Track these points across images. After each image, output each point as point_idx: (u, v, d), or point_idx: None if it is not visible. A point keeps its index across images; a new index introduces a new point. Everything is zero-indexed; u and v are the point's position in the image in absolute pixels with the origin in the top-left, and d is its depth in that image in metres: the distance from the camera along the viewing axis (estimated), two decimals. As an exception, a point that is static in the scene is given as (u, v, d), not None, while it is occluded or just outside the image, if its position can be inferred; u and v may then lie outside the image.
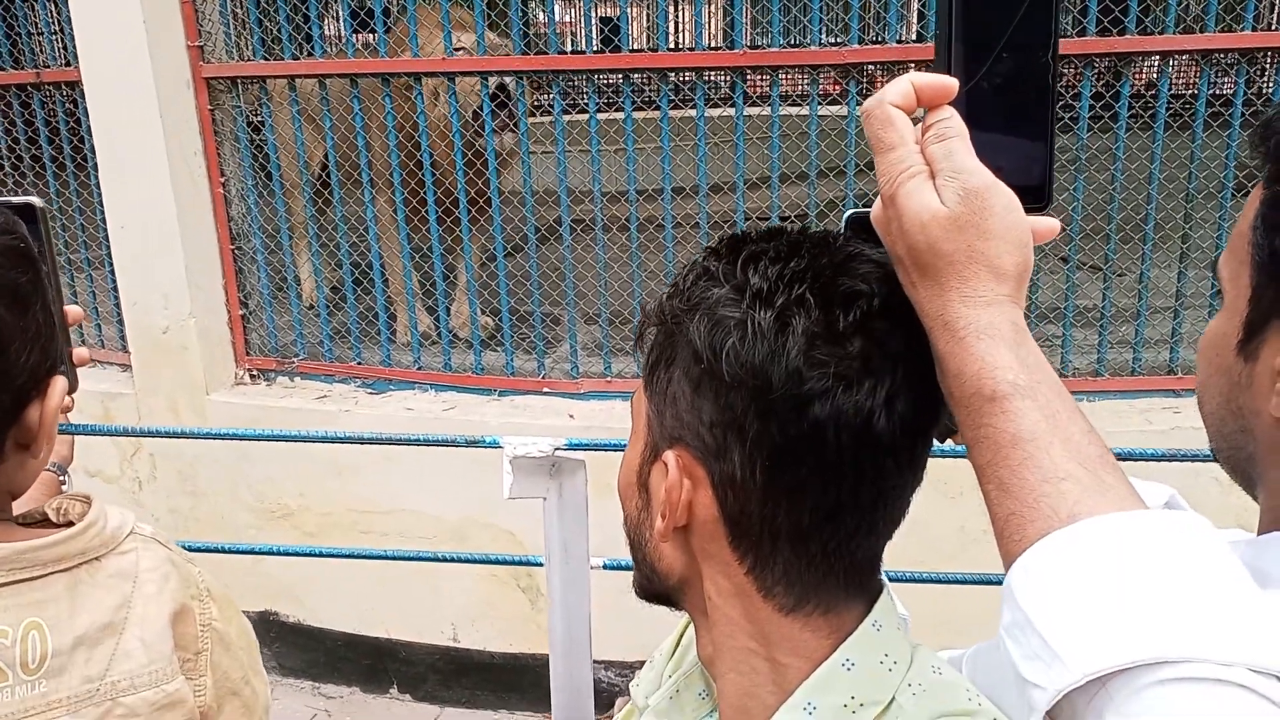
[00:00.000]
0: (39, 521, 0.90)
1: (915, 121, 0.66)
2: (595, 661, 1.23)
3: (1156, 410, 2.83)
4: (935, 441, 1.01)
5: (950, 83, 0.65)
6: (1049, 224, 0.68)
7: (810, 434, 0.63)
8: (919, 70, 0.67)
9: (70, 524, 0.87)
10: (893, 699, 0.67)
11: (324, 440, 1.25)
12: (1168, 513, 0.56)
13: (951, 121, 0.65)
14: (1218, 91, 2.74)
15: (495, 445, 1.05)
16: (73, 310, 1.02)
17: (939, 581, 1.17)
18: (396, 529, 3.11)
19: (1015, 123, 0.69)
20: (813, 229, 0.72)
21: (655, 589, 0.77)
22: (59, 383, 0.84)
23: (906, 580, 1.12)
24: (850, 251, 0.68)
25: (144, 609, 0.88)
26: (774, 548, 0.67)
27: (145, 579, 0.89)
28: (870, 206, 0.74)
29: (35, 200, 0.94)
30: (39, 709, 0.81)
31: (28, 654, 0.81)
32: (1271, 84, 2.69)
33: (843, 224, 0.78)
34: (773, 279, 0.65)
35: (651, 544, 0.73)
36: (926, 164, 0.64)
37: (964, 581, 1.29)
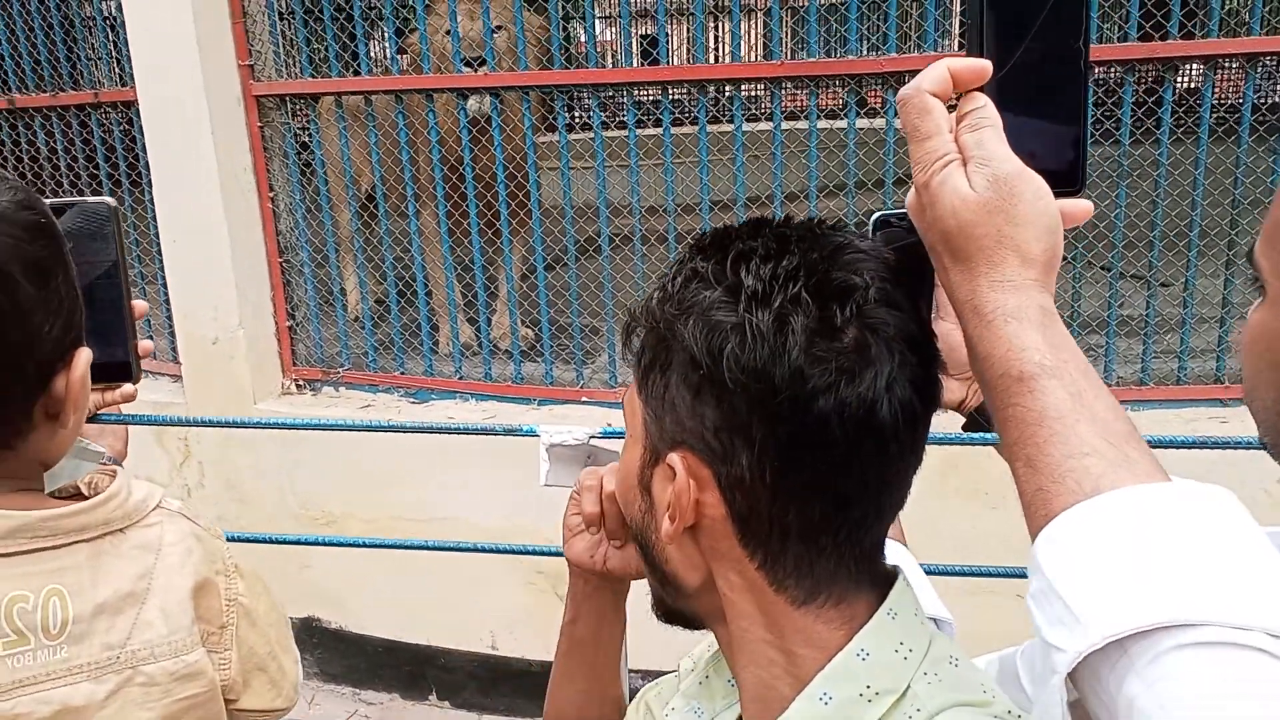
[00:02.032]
0: (72, 495, 0.93)
1: (950, 108, 0.68)
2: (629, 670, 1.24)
3: (1203, 420, 2.78)
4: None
5: (985, 65, 0.66)
6: (1082, 206, 0.69)
7: (816, 430, 0.63)
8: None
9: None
10: (908, 687, 0.67)
11: (363, 429, 1.28)
12: (1190, 484, 0.57)
13: (986, 111, 0.66)
14: (1264, 97, 2.70)
15: (532, 434, 1.08)
16: (139, 304, 1.06)
17: (960, 574, 1.17)
18: (438, 535, 3.15)
19: (1048, 107, 0.70)
20: (791, 219, 0.72)
21: (671, 604, 0.78)
22: (83, 354, 0.87)
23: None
24: (838, 242, 0.68)
25: (166, 580, 0.91)
26: (784, 543, 0.68)
27: (168, 551, 0.92)
28: (893, 210, 0.77)
29: (109, 200, 0.98)
30: (61, 674, 0.83)
31: (49, 619, 0.83)
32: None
33: (870, 225, 0.80)
34: (766, 278, 0.64)
35: (658, 546, 0.74)
36: (960, 152, 0.66)
37: (984, 574, 1.29)
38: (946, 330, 0.93)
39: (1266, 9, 2.64)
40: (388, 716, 3.30)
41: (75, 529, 0.86)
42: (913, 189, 0.69)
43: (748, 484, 0.66)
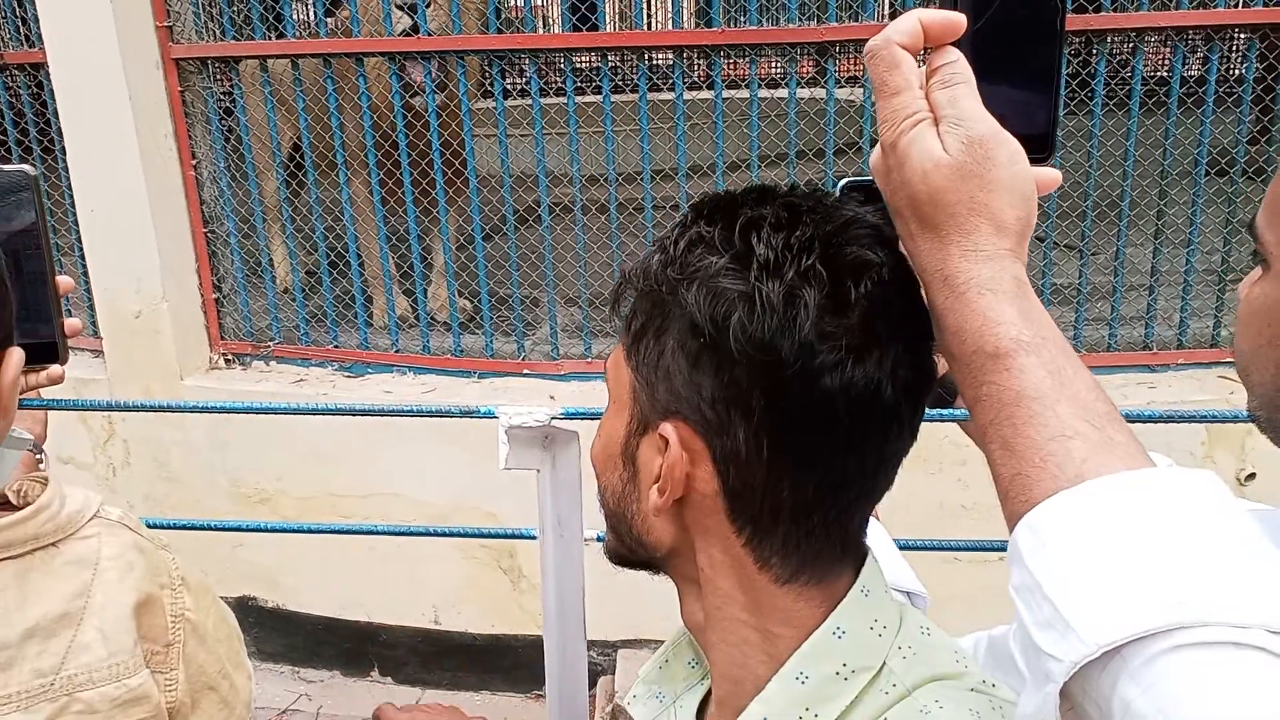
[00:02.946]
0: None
1: (920, 62, 0.64)
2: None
3: (1132, 385, 2.86)
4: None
5: (959, 19, 0.63)
6: (1051, 175, 0.66)
7: (820, 407, 0.62)
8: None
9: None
10: (884, 664, 0.67)
11: (308, 412, 1.23)
12: (1177, 470, 0.55)
13: (958, 66, 0.62)
14: (1190, 71, 2.76)
15: (490, 415, 1.04)
16: (64, 281, 0.99)
17: (926, 549, 1.18)
18: (377, 513, 3.09)
19: (1020, 68, 0.67)
20: (797, 187, 0.69)
21: (638, 558, 0.75)
22: (14, 354, 0.80)
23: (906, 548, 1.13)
24: (848, 216, 0.66)
25: (104, 598, 0.83)
26: (775, 521, 0.66)
27: (107, 566, 0.84)
28: (860, 177, 0.74)
29: (28, 168, 0.91)
30: None
31: None
32: (1243, 62, 2.71)
33: (838, 191, 0.77)
34: (778, 248, 0.62)
35: (640, 517, 0.72)
36: (930, 110, 0.62)
37: (950, 549, 1.31)
38: None
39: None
40: (328, 694, 3.25)
41: None
42: (878, 148, 0.65)
43: (743, 458, 0.65)
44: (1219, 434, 2.74)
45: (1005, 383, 0.58)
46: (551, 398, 2.95)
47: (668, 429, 0.66)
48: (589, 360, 3.02)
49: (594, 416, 1.01)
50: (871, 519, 0.77)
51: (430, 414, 1.14)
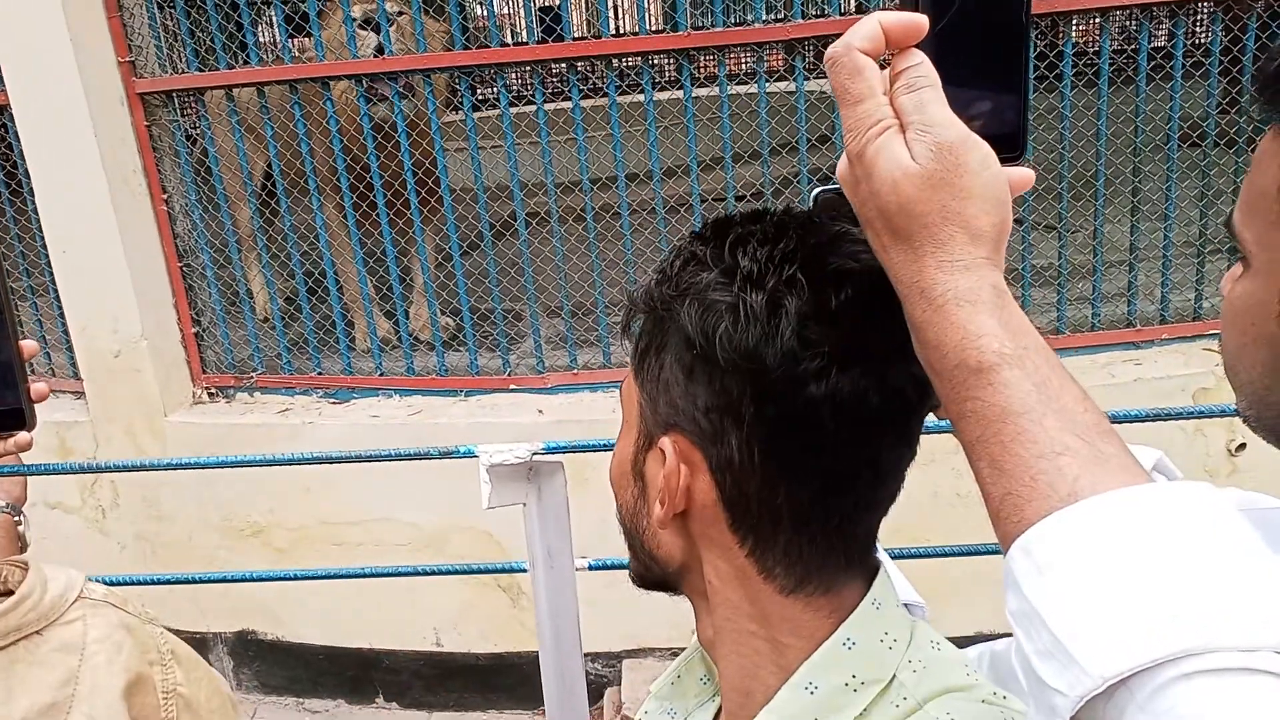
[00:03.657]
0: None
1: (883, 66, 0.63)
2: (584, 654, 1.22)
3: (1118, 363, 2.86)
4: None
5: (921, 21, 0.61)
6: (1023, 175, 0.64)
7: (806, 414, 0.63)
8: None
9: (10, 593, 0.80)
10: (894, 676, 0.66)
11: (291, 462, 1.22)
12: (1173, 486, 0.53)
13: (922, 69, 0.61)
14: (1158, 45, 2.76)
15: (470, 455, 1.03)
16: (28, 345, 0.97)
17: (921, 556, 1.17)
18: (370, 538, 3.07)
19: (987, 67, 0.65)
20: (791, 209, 0.70)
21: (654, 577, 0.77)
22: None
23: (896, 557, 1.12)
24: (837, 231, 0.66)
25: (93, 683, 0.81)
26: (775, 529, 0.67)
27: (94, 650, 0.82)
28: (831, 185, 0.72)
29: None
30: None
31: None
32: (1208, 34, 2.72)
33: (810, 200, 0.76)
34: (762, 260, 0.64)
35: (649, 531, 0.73)
36: (896, 116, 0.60)
37: (943, 554, 1.29)
38: None
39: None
40: (333, 723, 3.23)
41: None
42: (844, 157, 0.63)
43: (737, 465, 0.66)
44: (1209, 402, 2.74)
45: (989, 398, 0.57)
46: (540, 411, 2.93)
47: (665, 442, 0.68)
48: (575, 372, 3.00)
49: (576, 449, 0.99)
50: None
51: (409, 457, 1.13)
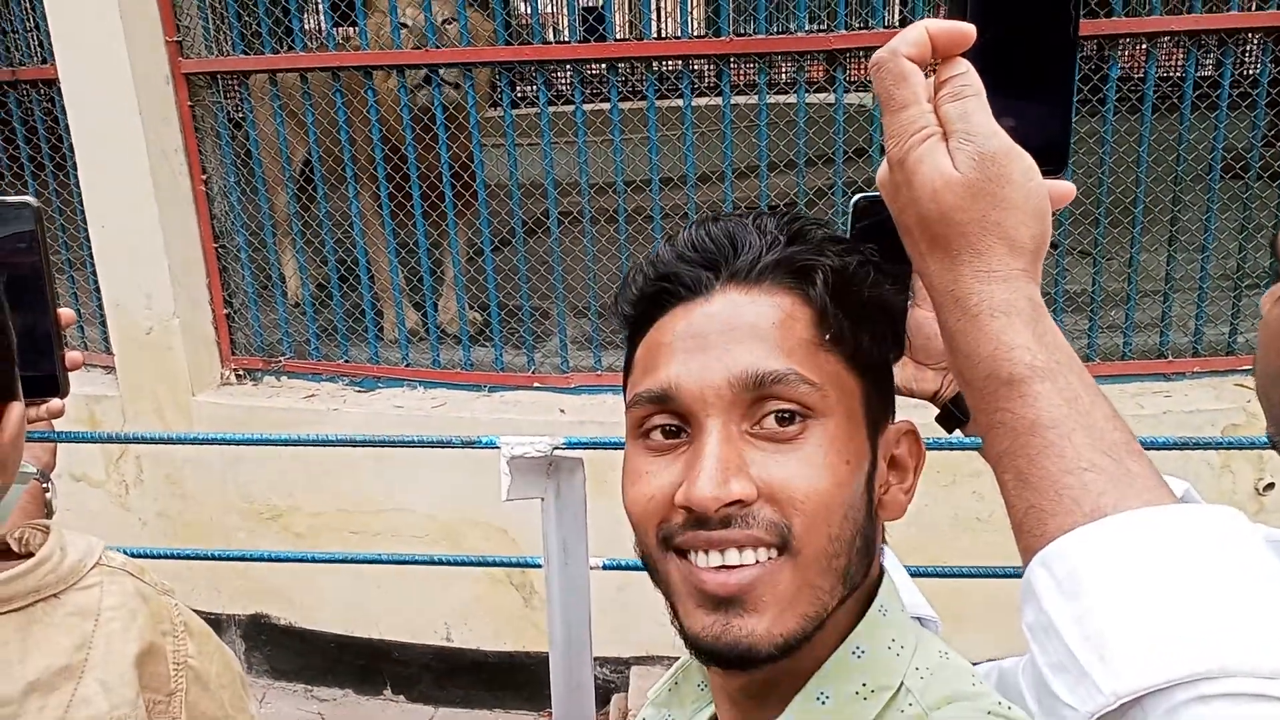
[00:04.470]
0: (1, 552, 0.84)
1: (928, 73, 0.63)
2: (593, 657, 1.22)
3: (1148, 394, 2.82)
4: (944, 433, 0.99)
5: (968, 29, 0.60)
6: (1065, 188, 0.64)
7: None
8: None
9: (31, 555, 0.81)
10: (901, 683, 0.66)
11: (315, 443, 1.22)
12: (1198, 508, 0.52)
13: (968, 78, 0.60)
14: (1205, 74, 2.73)
15: (492, 445, 1.03)
16: (65, 313, 0.98)
17: (939, 575, 1.16)
18: (388, 528, 3.08)
19: (1033, 78, 0.64)
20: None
21: (827, 612, 0.66)
22: (15, 410, 0.79)
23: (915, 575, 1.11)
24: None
25: (106, 649, 0.82)
26: None
27: (109, 616, 0.83)
28: (872, 192, 0.71)
29: (31, 200, 0.90)
30: None
31: None
32: (1257, 64, 2.68)
33: (850, 207, 0.76)
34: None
35: (879, 526, 0.70)
36: (940, 124, 0.60)
37: (962, 575, 1.28)
38: (922, 318, 0.89)
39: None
40: (341, 713, 3.24)
41: (1, 599, 0.78)
42: (884, 163, 0.64)
43: None
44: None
45: (1019, 411, 0.56)
46: (561, 410, 2.93)
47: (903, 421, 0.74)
48: (599, 373, 3.01)
49: (596, 445, 0.99)
50: (885, 548, 0.75)
51: (430, 444, 1.13)
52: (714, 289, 0.67)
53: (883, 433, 0.70)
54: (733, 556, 0.62)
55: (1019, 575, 0.57)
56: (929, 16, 0.62)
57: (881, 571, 0.71)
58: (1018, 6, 0.63)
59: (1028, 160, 0.60)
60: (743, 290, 0.66)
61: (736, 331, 0.65)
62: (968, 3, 0.63)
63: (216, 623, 3.28)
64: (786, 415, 0.63)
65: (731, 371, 0.64)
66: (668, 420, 0.66)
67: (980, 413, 0.60)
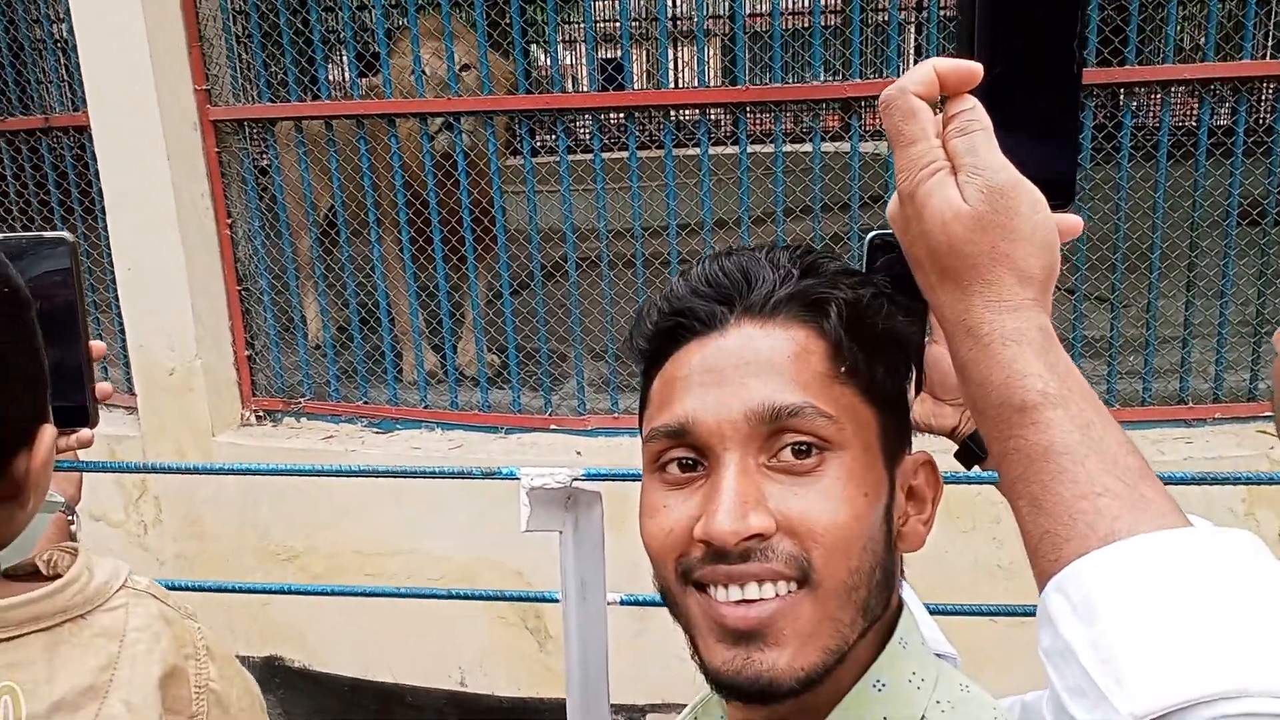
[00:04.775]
0: (29, 575, 0.84)
1: (936, 110, 0.64)
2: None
3: (1169, 440, 2.80)
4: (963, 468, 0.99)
5: (975, 68, 0.62)
6: (1073, 221, 0.65)
7: None
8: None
9: (59, 576, 0.82)
10: (923, 716, 0.65)
11: (335, 474, 1.23)
12: (1212, 530, 0.53)
13: (975, 113, 0.62)
14: (1219, 122, 2.75)
15: (512, 476, 1.04)
16: (96, 345, 1.00)
17: (960, 613, 1.15)
18: (404, 571, 3.08)
19: (1038, 114, 0.66)
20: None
21: (847, 646, 0.66)
22: (47, 432, 0.80)
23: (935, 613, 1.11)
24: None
25: (131, 670, 0.82)
26: None
27: (134, 638, 0.83)
28: (887, 230, 0.73)
29: (66, 235, 0.93)
30: None
31: None
32: (1271, 112, 2.69)
33: (865, 245, 0.77)
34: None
35: (897, 557, 0.70)
36: (948, 159, 0.62)
37: (983, 613, 1.27)
38: (939, 354, 0.90)
39: (1219, 35, 2.69)
40: (353, 756, 3.21)
41: (29, 619, 0.78)
42: (894, 197, 0.65)
43: None
44: (1260, 491, 2.67)
45: (1032, 437, 0.57)
46: (578, 453, 2.94)
47: (920, 453, 0.74)
48: (616, 416, 3.02)
49: (616, 477, 1.00)
50: (904, 582, 0.75)
51: (451, 475, 1.14)
52: (729, 323, 0.67)
53: (900, 464, 0.69)
54: (752, 590, 0.62)
55: (1034, 615, 0.58)
56: (938, 55, 0.64)
57: (900, 604, 0.71)
58: (1022, 46, 0.65)
59: (1035, 193, 0.61)
60: (757, 324, 0.67)
61: (752, 365, 0.65)
62: (974, 42, 0.65)
63: (230, 665, 3.27)
64: (803, 448, 0.64)
65: (748, 405, 0.64)
66: (684, 454, 0.67)
67: (993, 440, 0.61)
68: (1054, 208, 0.62)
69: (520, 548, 2.87)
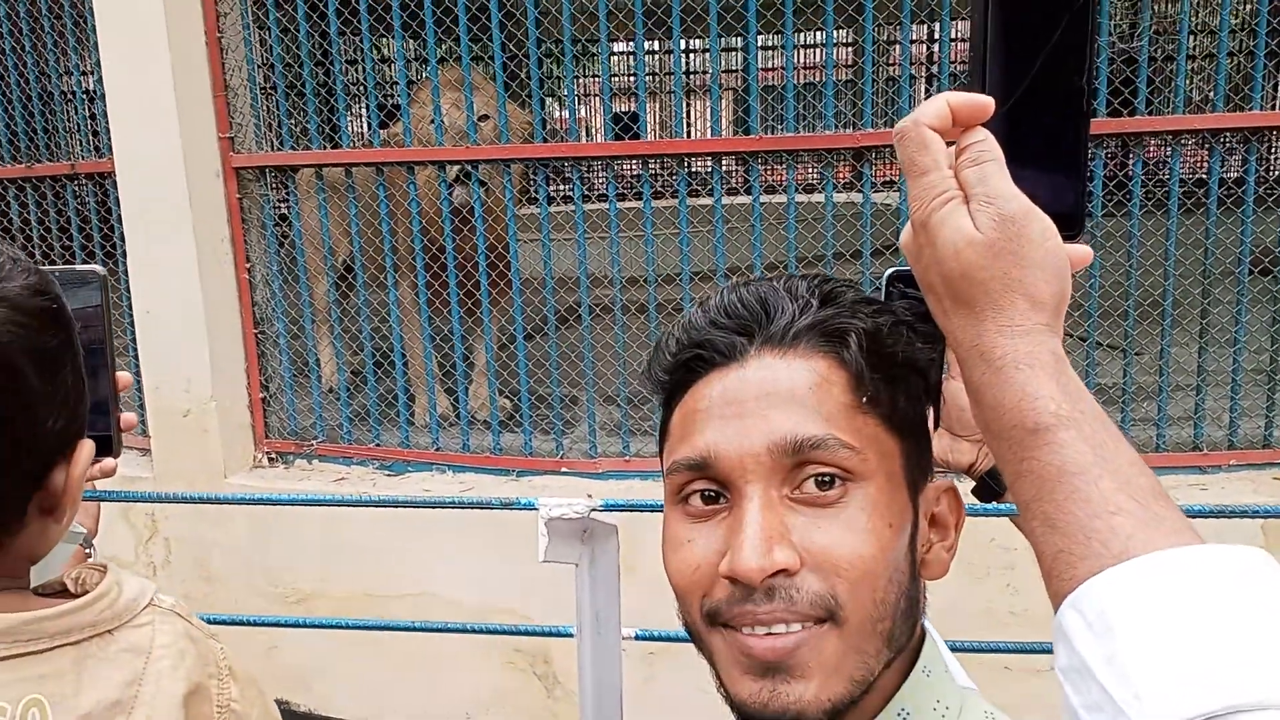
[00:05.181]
0: (57, 592, 0.85)
1: (949, 143, 0.65)
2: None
3: (1183, 488, 2.78)
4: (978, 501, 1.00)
5: (987, 102, 0.63)
6: (1083, 251, 0.66)
7: None
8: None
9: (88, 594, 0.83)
10: None
11: (350, 504, 1.24)
12: (1226, 547, 0.53)
13: (986, 144, 0.63)
14: (1228, 173, 2.77)
15: (530, 507, 1.04)
16: (123, 377, 1.02)
17: (976, 650, 1.14)
18: (413, 615, 3.06)
19: (1048, 147, 0.67)
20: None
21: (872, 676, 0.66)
22: (86, 446, 0.81)
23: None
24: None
25: (155, 687, 0.83)
26: None
27: (159, 655, 0.84)
28: (904, 266, 0.74)
29: (99, 269, 0.95)
30: None
31: None
32: (1281, 164, 2.72)
33: (883, 281, 0.78)
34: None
35: (921, 585, 0.70)
36: (960, 189, 0.63)
37: (997, 650, 1.26)
38: (956, 390, 0.90)
39: (1229, 87, 2.72)
40: (358, 804, 3.17)
41: (60, 632, 0.79)
42: (908, 226, 0.66)
43: None
44: (1278, 537, 2.65)
45: (1046, 458, 0.57)
46: (589, 495, 2.93)
47: (944, 479, 0.75)
48: (627, 459, 3.02)
49: (633, 508, 1.00)
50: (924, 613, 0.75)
51: (471, 505, 1.15)
52: (748, 354, 0.67)
53: (923, 492, 0.70)
54: (779, 629, 0.63)
55: (1048, 652, 0.58)
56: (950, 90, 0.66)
57: (924, 632, 0.71)
58: (1032, 82, 0.67)
59: (1046, 221, 0.62)
60: (777, 354, 0.67)
61: (773, 397, 0.65)
62: (985, 77, 0.67)
63: (237, 711, 3.24)
64: (826, 479, 0.64)
65: (771, 438, 0.64)
66: (707, 486, 0.67)
67: (1007, 463, 0.61)
68: (1064, 239, 0.63)
69: (531, 592, 2.86)
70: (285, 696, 3.25)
